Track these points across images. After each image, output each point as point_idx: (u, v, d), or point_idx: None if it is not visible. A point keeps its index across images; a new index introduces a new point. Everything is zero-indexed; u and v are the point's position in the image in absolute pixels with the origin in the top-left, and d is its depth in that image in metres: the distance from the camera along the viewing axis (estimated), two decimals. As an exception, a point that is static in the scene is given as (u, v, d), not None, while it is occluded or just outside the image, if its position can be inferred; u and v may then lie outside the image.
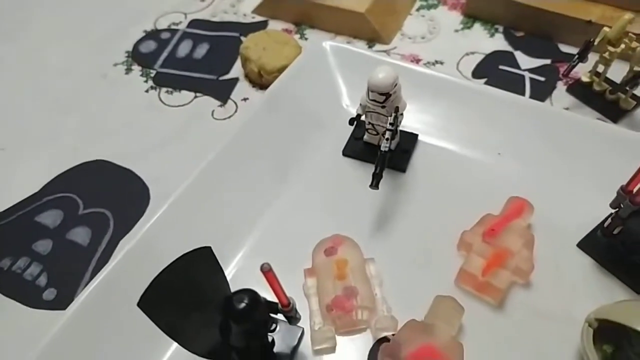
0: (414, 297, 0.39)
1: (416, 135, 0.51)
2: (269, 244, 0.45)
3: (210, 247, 0.34)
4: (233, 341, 0.31)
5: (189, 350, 0.32)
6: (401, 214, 0.46)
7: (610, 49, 0.51)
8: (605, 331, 0.35)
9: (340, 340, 0.39)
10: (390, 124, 0.43)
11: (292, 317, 0.34)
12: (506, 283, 0.39)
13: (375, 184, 0.42)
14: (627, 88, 0.51)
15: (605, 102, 0.55)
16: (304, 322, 0.38)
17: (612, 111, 0.54)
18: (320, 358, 0.38)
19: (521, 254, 0.41)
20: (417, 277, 0.41)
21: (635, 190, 0.36)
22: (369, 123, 0.48)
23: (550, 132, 0.48)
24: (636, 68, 0.49)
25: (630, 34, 0.50)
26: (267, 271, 0.29)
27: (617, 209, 0.38)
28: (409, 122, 0.51)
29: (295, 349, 0.38)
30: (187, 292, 0.32)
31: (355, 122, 0.46)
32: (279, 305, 0.33)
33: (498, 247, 0.41)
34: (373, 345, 0.38)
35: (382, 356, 0.37)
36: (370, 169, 0.47)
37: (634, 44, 0.49)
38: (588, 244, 0.43)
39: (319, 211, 0.46)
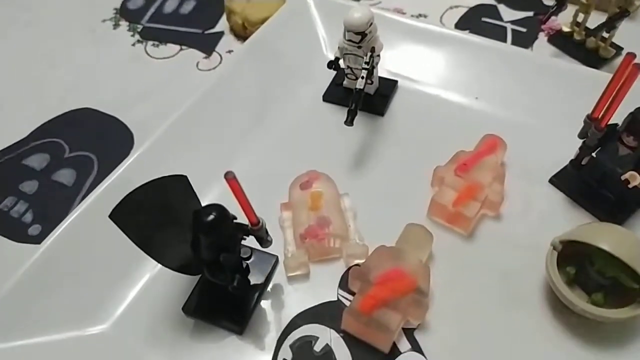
0: (386, 229, 0.40)
1: (395, 82, 0.51)
2: (248, 182, 0.44)
3: (186, 176, 0.35)
4: (203, 254, 0.32)
5: (161, 264, 0.33)
6: (378, 154, 0.47)
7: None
8: (568, 254, 0.36)
9: (314, 268, 0.40)
10: (365, 62, 0.44)
11: (263, 239, 0.35)
12: (476, 213, 0.40)
13: (349, 120, 0.43)
14: (605, 32, 0.51)
15: (586, 51, 0.55)
16: (279, 253, 0.40)
17: (593, 60, 0.55)
18: (294, 285, 0.39)
19: (492, 188, 0.42)
20: (391, 211, 0.42)
21: (599, 116, 0.37)
22: (348, 67, 0.48)
23: (527, 76, 0.49)
24: (611, 11, 0.49)
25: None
26: (230, 179, 0.30)
27: (584, 139, 0.39)
28: (390, 69, 0.52)
29: (269, 276, 0.39)
30: (161, 210, 0.33)
31: (333, 66, 0.47)
32: (249, 226, 0.34)
33: (470, 181, 0.42)
34: (345, 272, 0.39)
35: (351, 279, 0.38)
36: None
37: (611, -13, 0.49)
38: (559, 180, 0.43)
39: (297, 151, 0.47)
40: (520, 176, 0.44)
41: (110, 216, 0.32)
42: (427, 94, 0.51)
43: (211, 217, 0.31)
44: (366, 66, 0.44)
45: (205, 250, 0.32)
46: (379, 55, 0.46)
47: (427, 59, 0.53)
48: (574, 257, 0.36)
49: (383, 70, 0.51)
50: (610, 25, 0.50)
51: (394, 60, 0.52)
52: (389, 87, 0.51)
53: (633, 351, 0.35)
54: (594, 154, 0.40)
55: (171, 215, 0.33)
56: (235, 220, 0.34)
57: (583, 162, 0.40)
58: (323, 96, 0.51)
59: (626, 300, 0.34)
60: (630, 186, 0.37)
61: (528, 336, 0.36)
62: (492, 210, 0.42)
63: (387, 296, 0.35)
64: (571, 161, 0.41)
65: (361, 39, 0.44)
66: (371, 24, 0.44)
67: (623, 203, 0.41)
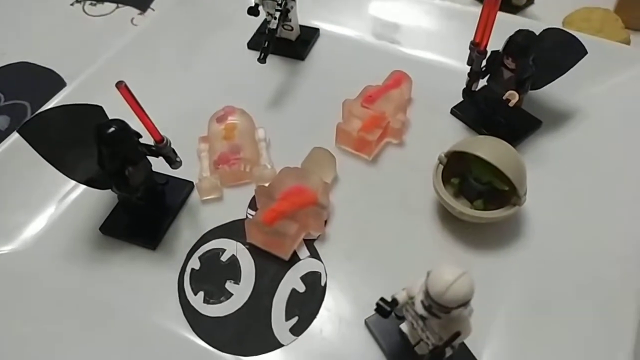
0: (297, 156, 0.43)
1: (317, 29, 0.54)
2: (173, 120, 0.47)
3: (101, 106, 0.38)
4: (107, 166, 0.35)
5: (71, 178, 0.36)
6: (295, 93, 0.50)
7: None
8: (453, 167, 0.40)
9: (228, 192, 0.43)
10: (278, 4, 0.47)
11: (172, 159, 0.38)
12: (377, 138, 0.43)
13: (262, 57, 0.46)
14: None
15: (503, 2, 0.59)
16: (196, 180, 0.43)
17: (506, 8, 0.58)
18: (209, 207, 0.42)
19: (396, 117, 0.45)
20: (303, 141, 0.44)
21: (480, 40, 0.40)
22: (268, 14, 0.51)
23: (436, 20, 0.52)
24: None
25: None
26: (122, 87, 0.32)
27: (471, 65, 0.42)
28: (316, 17, 0.55)
29: (184, 199, 0.42)
30: (73, 131, 0.36)
31: (253, 12, 0.50)
32: (155, 144, 0.37)
33: (375, 111, 0.45)
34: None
35: (258, 197, 0.41)
36: (272, 59, 0.52)
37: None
38: (460, 110, 0.47)
39: (221, 92, 0.50)
40: (425, 108, 0.48)
41: (18, 130, 0.34)
42: (347, 39, 0.54)
43: (111, 129, 0.34)
44: (279, 7, 0.47)
45: (108, 162, 0.35)
46: (294, 0, 0.49)
47: (352, 10, 0.56)
48: (457, 168, 0.40)
49: (309, 19, 0.54)
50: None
51: (320, 10, 0.56)
52: (310, 34, 0.54)
53: (507, 249, 0.38)
54: (485, 82, 0.43)
55: (83, 136, 0.36)
56: (140, 139, 0.36)
57: (473, 88, 0.43)
58: (248, 44, 0.54)
59: (502, 203, 0.38)
60: (510, 105, 0.40)
61: (418, 243, 0.39)
62: (395, 138, 0.45)
63: (287, 208, 0.38)
64: (463, 89, 0.44)
65: (275, -17, 0.47)
66: (283, -32, 0.47)
67: (513, 127, 0.44)
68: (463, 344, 0.33)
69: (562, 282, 0.36)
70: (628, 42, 0.51)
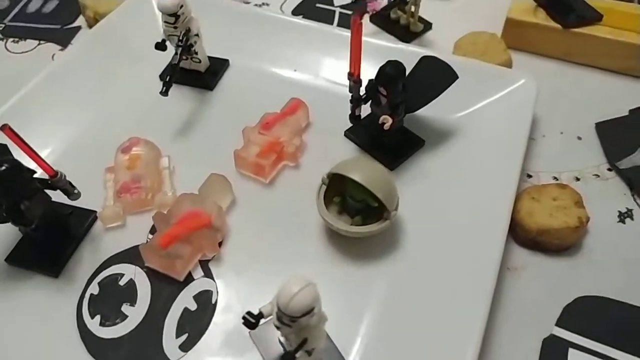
0: (200, 182, 0.45)
1: (226, 60, 0.58)
2: (81, 151, 0.50)
3: (6, 144, 0.40)
4: (2, 201, 0.37)
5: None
6: (201, 122, 0.53)
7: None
8: (337, 187, 0.43)
9: (131, 219, 0.45)
10: (179, 40, 0.50)
11: (69, 192, 0.41)
12: (272, 163, 0.47)
13: (164, 91, 0.49)
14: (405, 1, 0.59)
15: (400, 28, 0.63)
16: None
17: (406, 35, 0.63)
18: (112, 234, 0.45)
19: (291, 142, 0.49)
20: (206, 168, 0.47)
21: (353, 71, 0.44)
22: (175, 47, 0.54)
23: (335, 50, 0.56)
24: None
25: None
26: (5, 129, 0.35)
27: (351, 93, 0.46)
28: (224, 50, 0.58)
29: (87, 229, 0.44)
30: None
31: (160, 47, 0.53)
32: (50, 179, 0.39)
33: (272, 137, 0.48)
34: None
35: (156, 222, 0.44)
36: (182, 90, 0.55)
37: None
38: (353, 133, 0.51)
39: (131, 123, 0.52)
40: (321, 132, 0.51)
41: None
42: (253, 69, 0.57)
43: (3, 167, 0.36)
44: (180, 44, 0.50)
45: (2, 198, 0.37)
46: (197, 35, 0.53)
47: (260, 40, 0.59)
48: (339, 187, 0.43)
49: (220, 50, 0.58)
50: (400, 1, 0.58)
51: (230, 42, 0.59)
52: (220, 64, 0.57)
53: (384, 258, 0.42)
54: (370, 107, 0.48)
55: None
56: (35, 175, 0.39)
57: (357, 114, 0.47)
58: (160, 76, 0.57)
59: (379, 218, 0.41)
60: (385, 128, 0.44)
61: (306, 258, 0.42)
62: (291, 161, 0.49)
63: (180, 232, 0.41)
64: (349, 115, 0.48)
65: (175, 20, 0.50)
66: (182, 6, 0.50)
67: (398, 147, 0.48)
68: (333, 345, 0.36)
69: (425, 285, 0.40)
70: (510, 62, 0.56)
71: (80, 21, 0.66)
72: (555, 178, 0.48)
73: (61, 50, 0.63)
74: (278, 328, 0.32)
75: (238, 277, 0.42)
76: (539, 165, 0.49)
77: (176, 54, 0.50)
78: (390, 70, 0.43)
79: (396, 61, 0.43)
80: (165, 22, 0.51)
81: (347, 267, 0.42)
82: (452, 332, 0.37)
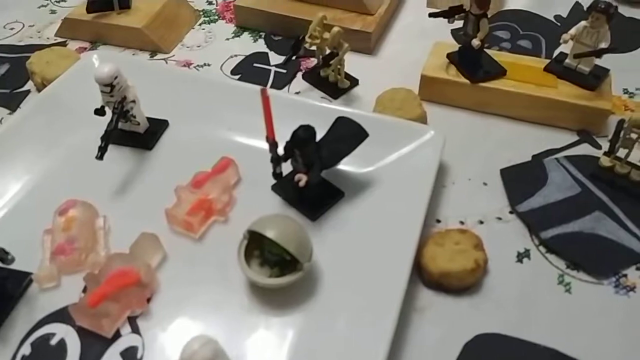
0: (135, 239, 0.49)
1: (166, 121, 0.62)
2: (24, 214, 0.53)
3: None
4: None
5: None
6: (139, 182, 0.57)
7: (315, 40, 0.65)
8: (256, 240, 0.47)
9: (67, 279, 0.48)
10: (114, 108, 0.55)
11: (3, 258, 0.43)
12: (200, 220, 0.50)
13: (99, 156, 0.53)
14: (328, 63, 0.65)
15: (329, 84, 0.69)
16: (40, 271, 0.48)
17: (334, 91, 0.68)
18: (46, 295, 0.47)
19: (221, 199, 0.52)
20: (141, 226, 0.50)
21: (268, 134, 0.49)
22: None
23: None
24: (327, 50, 0.64)
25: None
26: None
27: (271, 153, 0.51)
28: (164, 111, 0.63)
29: (23, 290, 0.47)
30: None
31: (99, 112, 0.57)
32: (-17, 246, 0.42)
33: (201, 195, 0.52)
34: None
35: (86, 282, 0.46)
36: (122, 151, 0.59)
37: (325, 35, 0.63)
38: (279, 188, 0.55)
39: (72, 185, 0.55)
40: (250, 187, 0.55)
41: None
42: (192, 129, 0.61)
43: None
44: (116, 110, 0.54)
45: None
46: (134, 101, 0.57)
47: (197, 101, 0.64)
48: (258, 241, 0.47)
49: (161, 111, 0.62)
50: (325, 63, 0.63)
51: (170, 103, 0.63)
52: (159, 125, 0.62)
53: (298, 307, 0.45)
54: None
55: None
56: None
57: (277, 172, 0.52)
58: (101, 137, 0.60)
59: (294, 268, 0.45)
60: (300, 185, 0.48)
61: (232, 311, 0.46)
62: (221, 216, 0.52)
63: (108, 290, 0.44)
64: (272, 172, 0.52)
65: (111, 90, 0.54)
66: (116, 77, 0.54)
67: (319, 200, 0.53)
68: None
69: (332, 330, 0.43)
70: (424, 116, 0.62)
71: (29, 85, 0.70)
72: (461, 222, 0.53)
73: (10, 114, 0.66)
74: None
75: (164, 332, 0.44)
76: (448, 211, 0.54)
77: (112, 120, 0.54)
78: (302, 134, 0.48)
79: (307, 125, 0.48)
80: (102, 91, 0.55)
81: (267, 316, 0.45)
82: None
